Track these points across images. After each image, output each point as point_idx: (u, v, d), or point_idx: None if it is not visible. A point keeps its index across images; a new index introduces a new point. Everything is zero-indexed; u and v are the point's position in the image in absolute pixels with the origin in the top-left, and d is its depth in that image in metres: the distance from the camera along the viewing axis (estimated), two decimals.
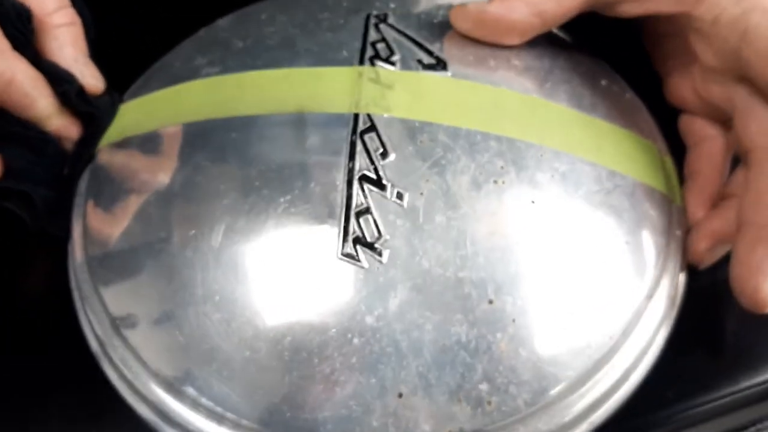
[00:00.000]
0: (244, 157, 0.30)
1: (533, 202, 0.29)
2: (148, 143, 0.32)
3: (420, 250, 0.28)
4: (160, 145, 0.32)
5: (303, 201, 0.29)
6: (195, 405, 0.27)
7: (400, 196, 0.29)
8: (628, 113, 0.34)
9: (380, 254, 0.28)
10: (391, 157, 0.30)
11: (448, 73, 0.32)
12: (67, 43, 0.33)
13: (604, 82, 0.34)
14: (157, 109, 0.33)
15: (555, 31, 0.36)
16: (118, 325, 0.28)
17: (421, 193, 0.29)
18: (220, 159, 0.30)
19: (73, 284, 0.31)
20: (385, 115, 0.30)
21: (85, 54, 0.34)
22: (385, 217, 0.28)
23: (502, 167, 0.30)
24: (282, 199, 0.29)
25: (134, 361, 0.28)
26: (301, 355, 0.26)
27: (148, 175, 0.31)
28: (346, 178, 0.29)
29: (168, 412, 0.27)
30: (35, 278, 0.36)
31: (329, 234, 0.28)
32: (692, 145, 0.34)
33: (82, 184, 0.33)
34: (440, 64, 0.32)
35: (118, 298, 0.29)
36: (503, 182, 0.29)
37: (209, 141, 0.31)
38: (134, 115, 0.34)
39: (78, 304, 0.31)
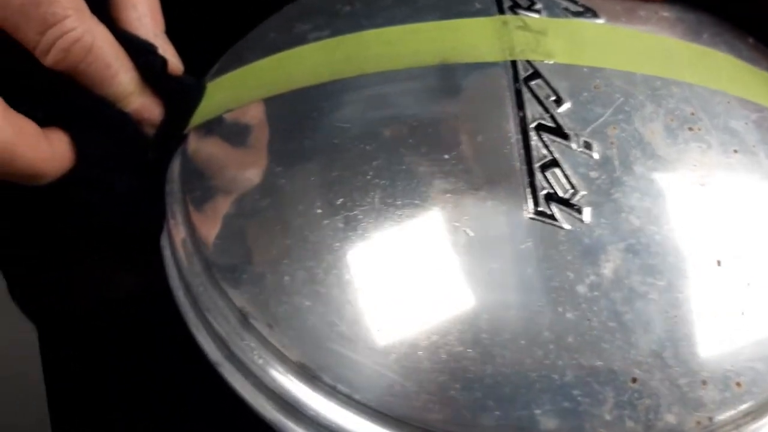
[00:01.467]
0: (388, 114, 0.25)
1: (736, 151, 0.25)
2: (255, 112, 0.27)
3: (625, 206, 0.23)
4: (273, 111, 0.27)
5: (471, 156, 0.24)
6: (350, 403, 0.21)
7: (588, 145, 0.24)
8: None
9: (579, 211, 0.23)
10: (567, 104, 0.25)
11: (602, 20, 0.28)
12: (146, 14, 0.28)
13: (750, 40, 0.31)
14: (259, 79, 0.28)
15: None
16: (247, 318, 0.22)
17: (612, 143, 0.24)
18: (358, 118, 0.25)
19: (175, 285, 0.25)
20: (547, 62, 0.26)
21: (164, 31, 0.29)
22: (575, 170, 0.23)
23: (692, 114, 0.25)
24: (446, 156, 0.24)
25: (265, 352, 0.22)
26: (503, 337, 0.21)
27: (262, 147, 0.26)
28: (519, 128, 0.24)
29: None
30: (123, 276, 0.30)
31: (512, 192, 0.23)
32: None
33: (174, 170, 0.27)
34: (589, 12, 0.28)
35: (246, 292, 0.23)
36: (699, 129, 0.25)
37: (339, 102, 0.26)
38: (229, 90, 0.29)
39: (188, 310, 0.25)
